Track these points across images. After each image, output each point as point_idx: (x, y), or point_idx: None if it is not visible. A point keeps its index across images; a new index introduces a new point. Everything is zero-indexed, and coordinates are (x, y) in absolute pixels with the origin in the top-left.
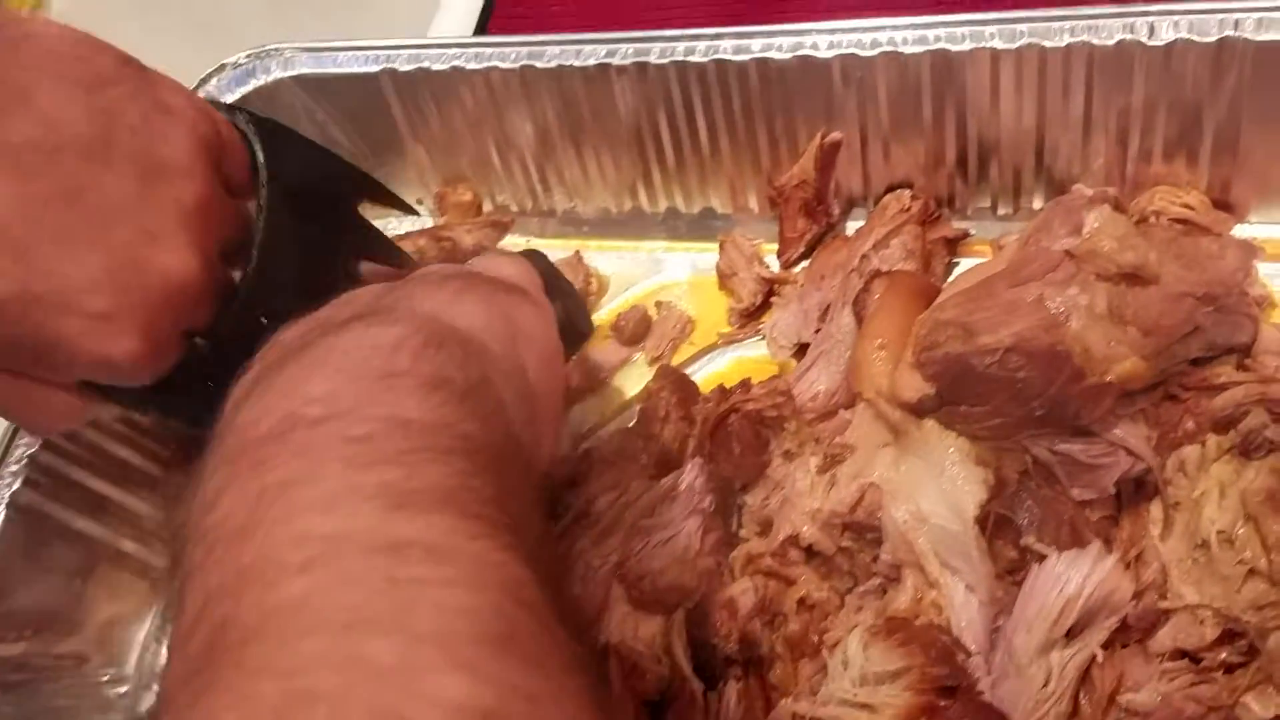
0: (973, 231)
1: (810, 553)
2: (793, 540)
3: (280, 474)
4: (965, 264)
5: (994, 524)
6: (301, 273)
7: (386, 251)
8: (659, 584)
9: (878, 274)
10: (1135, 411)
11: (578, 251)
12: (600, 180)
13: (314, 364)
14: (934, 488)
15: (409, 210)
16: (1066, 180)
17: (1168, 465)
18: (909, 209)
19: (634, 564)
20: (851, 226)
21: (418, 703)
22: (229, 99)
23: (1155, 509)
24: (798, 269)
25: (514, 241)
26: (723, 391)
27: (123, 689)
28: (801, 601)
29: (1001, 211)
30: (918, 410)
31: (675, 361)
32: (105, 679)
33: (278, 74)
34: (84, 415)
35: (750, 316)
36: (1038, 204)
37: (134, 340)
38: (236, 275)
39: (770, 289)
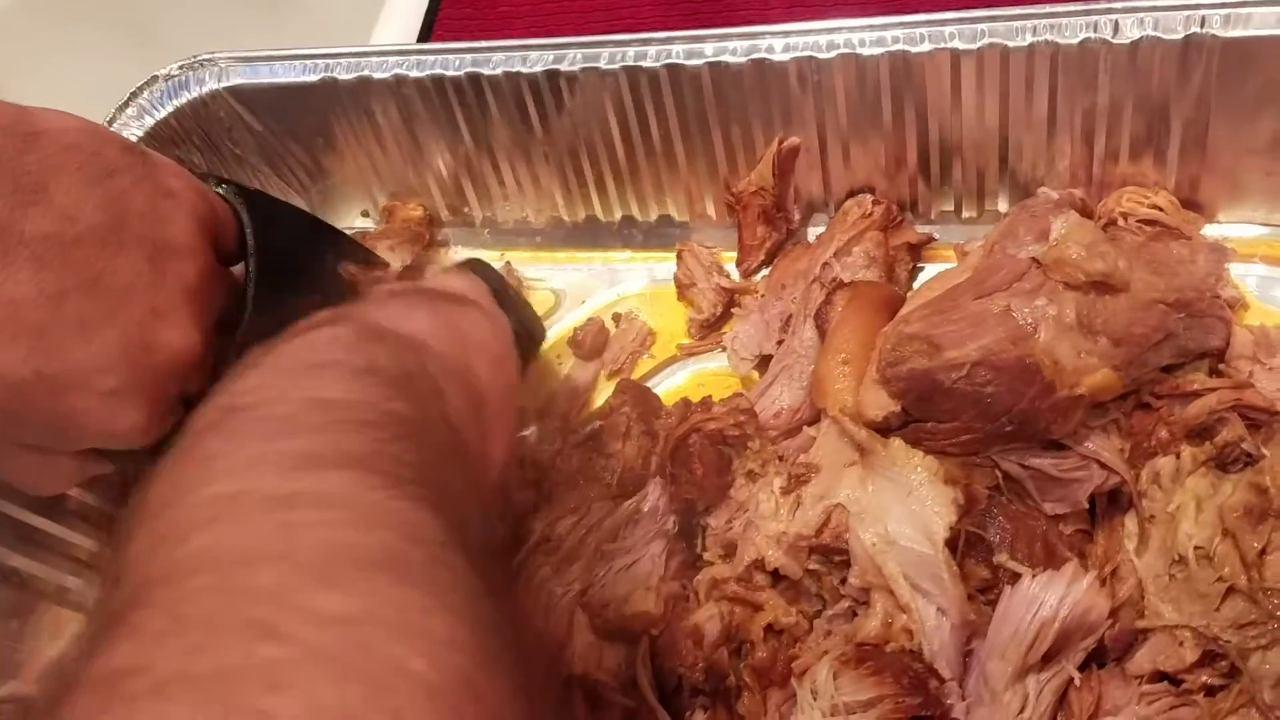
0: (936, 236)
1: (776, 576)
2: (758, 564)
3: (202, 451)
4: (930, 270)
5: (965, 542)
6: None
7: None
8: (623, 612)
9: (840, 284)
10: (1107, 422)
11: (508, 262)
12: (552, 189)
13: (250, 365)
14: (902, 509)
15: (381, 265)
16: (1031, 182)
17: (1142, 476)
18: (871, 214)
19: (597, 592)
20: (813, 233)
21: (288, 614)
22: (161, 113)
23: (1130, 522)
24: (758, 277)
25: (466, 254)
26: (686, 406)
27: None
28: (769, 628)
29: (966, 215)
30: (883, 428)
31: (634, 375)
32: None
33: (211, 85)
34: (84, 475)
35: (710, 328)
36: (1003, 206)
37: (140, 413)
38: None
39: (730, 299)
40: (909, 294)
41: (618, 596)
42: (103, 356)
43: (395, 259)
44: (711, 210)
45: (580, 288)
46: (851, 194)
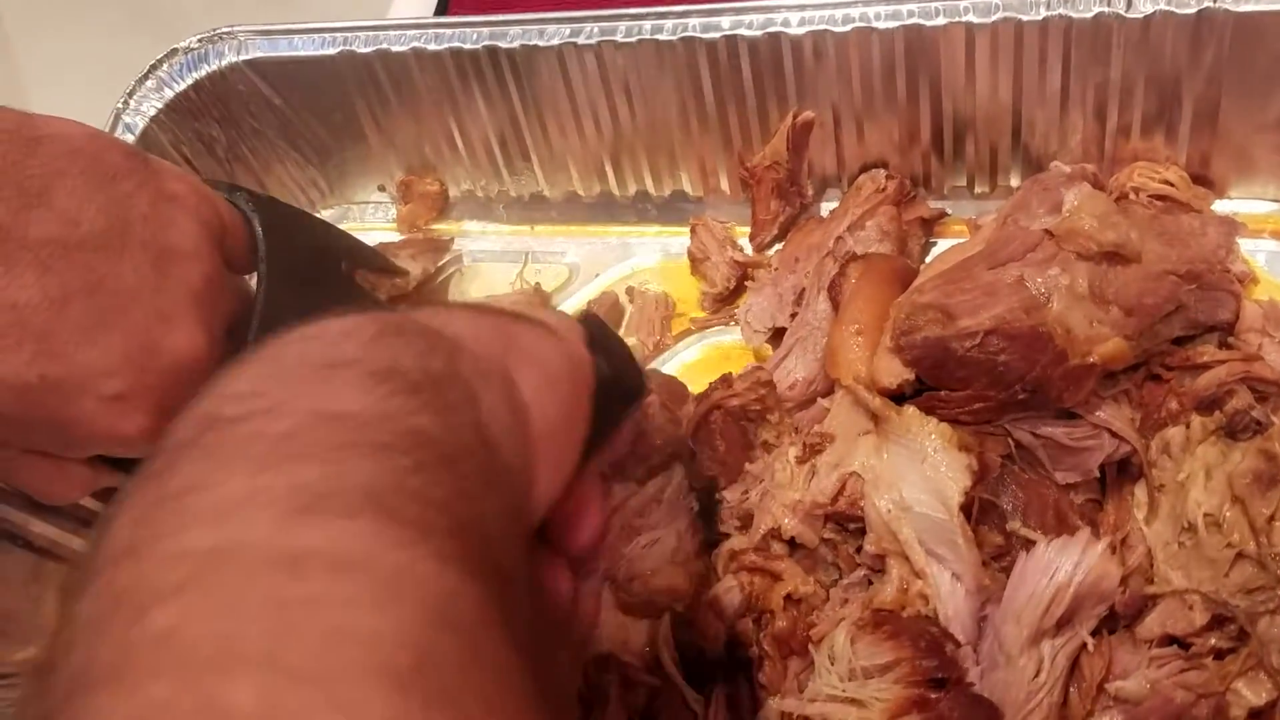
0: (949, 211)
1: (793, 545)
2: (774, 533)
3: (179, 481)
4: (942, 245)
5: (978, 510)
6: None
7: None
8: (651, 585)
9: (853, 257)
10: (1118, 392)
11: (537, 285)
12: (567, 163)
13: (246, 365)
14: (916, 475)
15: (399, 273)
16: (1044, 157)
17: (1152, 447)
18: (884, 189)
19: (624, 566)
20: (826, 208)
21: None
22: (180, 86)
23: (1140, 491)
24: (771, 252)
25: (480, 228)
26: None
27: None
28: (788, 597)
29: (978, 190)
30: (897, 396)
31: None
32: None
33: (231, 58)
34: (96, 485)
35: (724, 301)
36: (1015, 182)
37: (146, 418)
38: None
39: (744, 273)
40: (922, 267)
41: (645, 571)
42: (106, 360)
43: (415, 267)
44: (725, 185)
45: (594, 261)
46: (865, 169)
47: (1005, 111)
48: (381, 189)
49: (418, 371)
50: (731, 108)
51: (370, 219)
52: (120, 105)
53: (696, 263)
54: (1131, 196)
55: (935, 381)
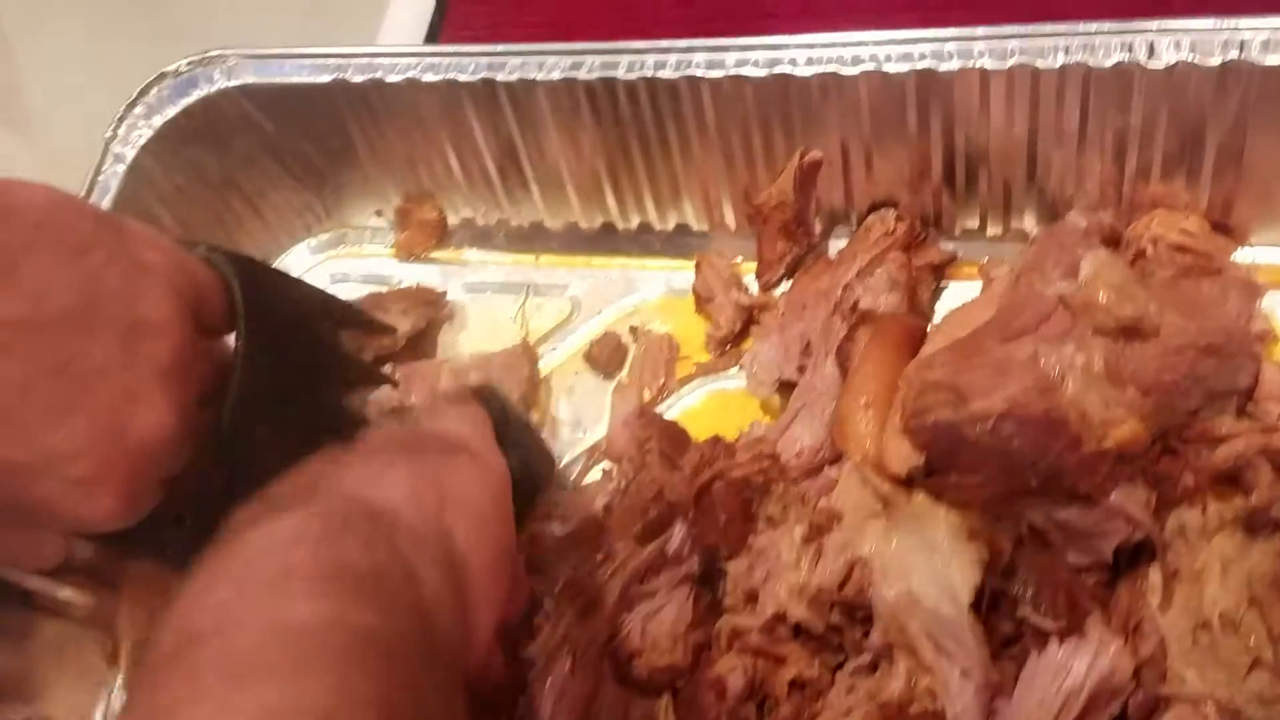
0: (960, 254)
1: (798, 627)
2: (780, 617)
3: (166, 697)
4: (953, 288)
5: (988, 596)
6: (283, 407)
7: (369, 379)
8: (653, 664)
9: (862, 319)
10: (1133, 470)
11: (526, 338)
12: (568, 194)
13: (213, 575)
14: (926, 567)
15: (385, 331)
16: (1059, 200)
17: (1167, 526)
18: (894, 231)
19: (624, 641)
20: (834, 246)
21: None
22: (171, 112)
23: (1154, 575)
24: (778, 291)
25: (480, 257)
26: (715, 444)
27: None
28: (792, 682)
29: (991, 232)
30: (907, 481)
31: (646, 397)
32: None
33: (222, 83)
34: (69, 552)
35: (729, 344)
36: (1029, 223)
37: (112, 500)
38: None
39: (749, 316)
40: (931, 326)
41: (645, 647)
42: (71, 443)
43: (406, 322)
44: (730, 219)
45: (596, 296)
46: (874, 207)
47: (1020, 149)
48: (379, 214)
49: (363, 563)
50: (736, 143)
51: (368, 243)
52: (109, 135)
53: (701, 302)
54: (1150, 249)
55: (946, 466)
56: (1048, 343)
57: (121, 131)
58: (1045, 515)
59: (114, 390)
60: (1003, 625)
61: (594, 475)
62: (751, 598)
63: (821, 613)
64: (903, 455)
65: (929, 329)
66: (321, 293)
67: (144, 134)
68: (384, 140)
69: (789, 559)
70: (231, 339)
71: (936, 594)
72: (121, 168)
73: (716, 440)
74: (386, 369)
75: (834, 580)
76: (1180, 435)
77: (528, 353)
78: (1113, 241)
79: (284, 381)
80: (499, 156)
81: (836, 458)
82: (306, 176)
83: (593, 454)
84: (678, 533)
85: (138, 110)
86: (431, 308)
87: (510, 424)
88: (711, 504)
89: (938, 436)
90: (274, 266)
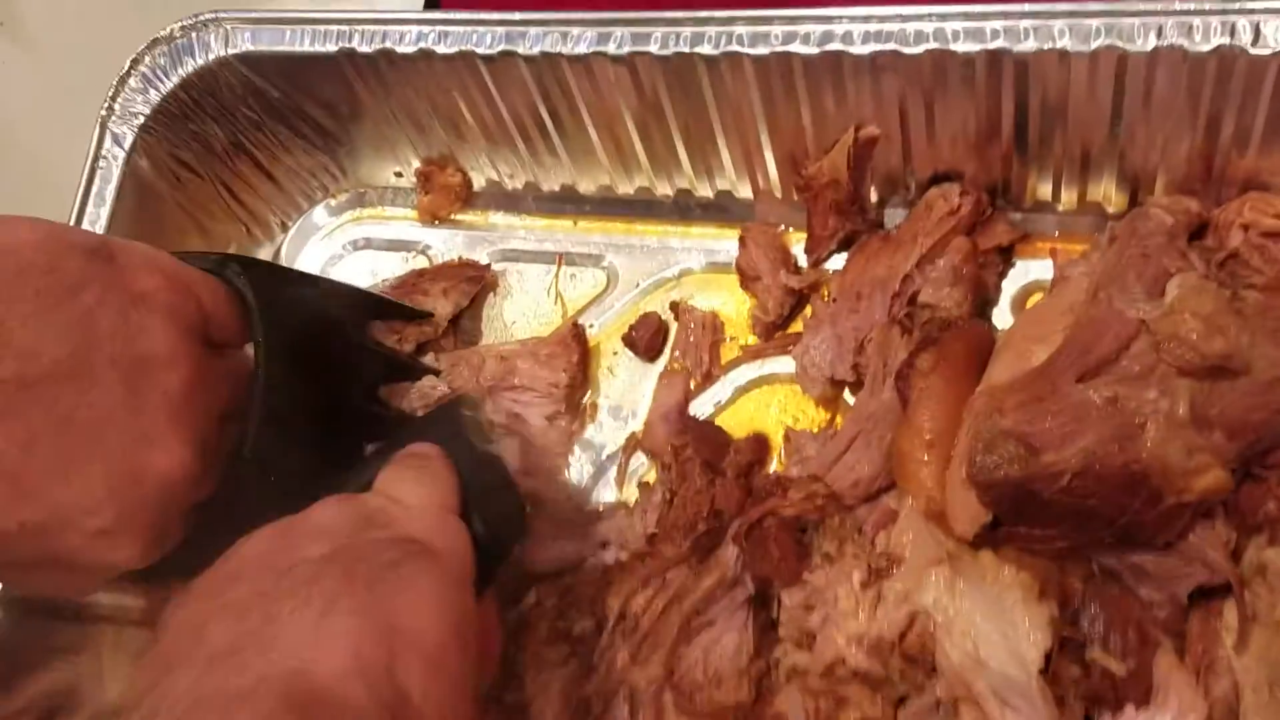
0: (1029, 229)
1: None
2: (839, 663)
3: None
4: (1020, 265)
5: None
6: (310, 413)
7: (404, 371)
8: (716, 700)
9: (922, 345)
10: (1213, 506)
11: (574, 322)
12: (601, 160)
13: None
14: (994, 630)
15: (421, 317)
16: (1142, 171)
17: (1245, 561)
18: (958, 209)
19: (685, 675)
20: (890, 217)
21: None
22: (167, 84)
23: (1229, 614)
24: (829, 265)
25: (508, 222)
26: (758, 444)
27: None
28: None
29: (1064, 205)
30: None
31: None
32: None
33: (219, 51)
34: (103, 583)
35: (776, 328)
36: (1107, 194)
37: (135, 545)
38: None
39: (798, 298)
40: (999, 335)
41: (708, 680)
42: (87, 496)
43: (448, 303)
44: (777, 187)
45: (633, 268)
46: (935, 177)
47: (1103, 111)
48: (398, 175)
49: None
50: (785, 116)
51: (390, 205)
52: (104, 112)
53: (747, 280)
54: (1240, 246)
55: (1015, 521)
56: (1127, 384)
57: (118, 107)
58: (1118, 558)
59: (125, 435)
60: (1070, 670)
61: (632, 467)
62: (808, 639)
63: (882, 660)
64: (970, 514)
65: (997, 339)
66: (349, 287)
67: (143, 111)
68: (398, 108)
69: (847, 606)
70: (250, 348)
71: (1005, 657)
72: (121, 152)
73: (759, 440)
74: (429, 357)
75: (894, 631)
76: (1263, 461)
77: (577, 336)
78: (1199, 230)
79: (309, 388)
80: (522, 125)
81: (893, 484)
82: (318, 139)
83: (630, 447)
84: (729, 554)
85: (132, 83)
86: (474, 284)
87: (479, 464)
88: (765, 539)
89: (1006, 493)
90: (295, 268)
